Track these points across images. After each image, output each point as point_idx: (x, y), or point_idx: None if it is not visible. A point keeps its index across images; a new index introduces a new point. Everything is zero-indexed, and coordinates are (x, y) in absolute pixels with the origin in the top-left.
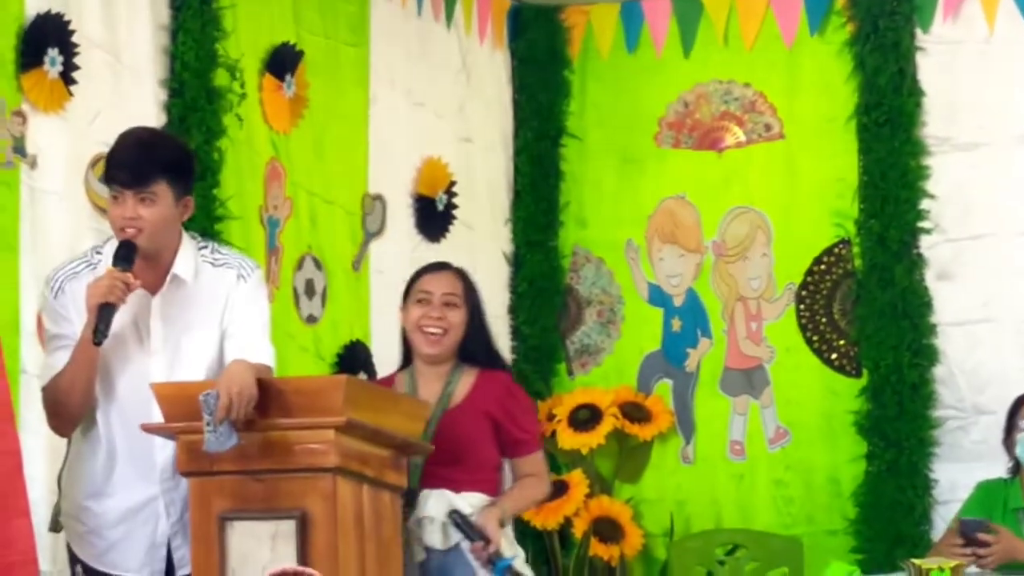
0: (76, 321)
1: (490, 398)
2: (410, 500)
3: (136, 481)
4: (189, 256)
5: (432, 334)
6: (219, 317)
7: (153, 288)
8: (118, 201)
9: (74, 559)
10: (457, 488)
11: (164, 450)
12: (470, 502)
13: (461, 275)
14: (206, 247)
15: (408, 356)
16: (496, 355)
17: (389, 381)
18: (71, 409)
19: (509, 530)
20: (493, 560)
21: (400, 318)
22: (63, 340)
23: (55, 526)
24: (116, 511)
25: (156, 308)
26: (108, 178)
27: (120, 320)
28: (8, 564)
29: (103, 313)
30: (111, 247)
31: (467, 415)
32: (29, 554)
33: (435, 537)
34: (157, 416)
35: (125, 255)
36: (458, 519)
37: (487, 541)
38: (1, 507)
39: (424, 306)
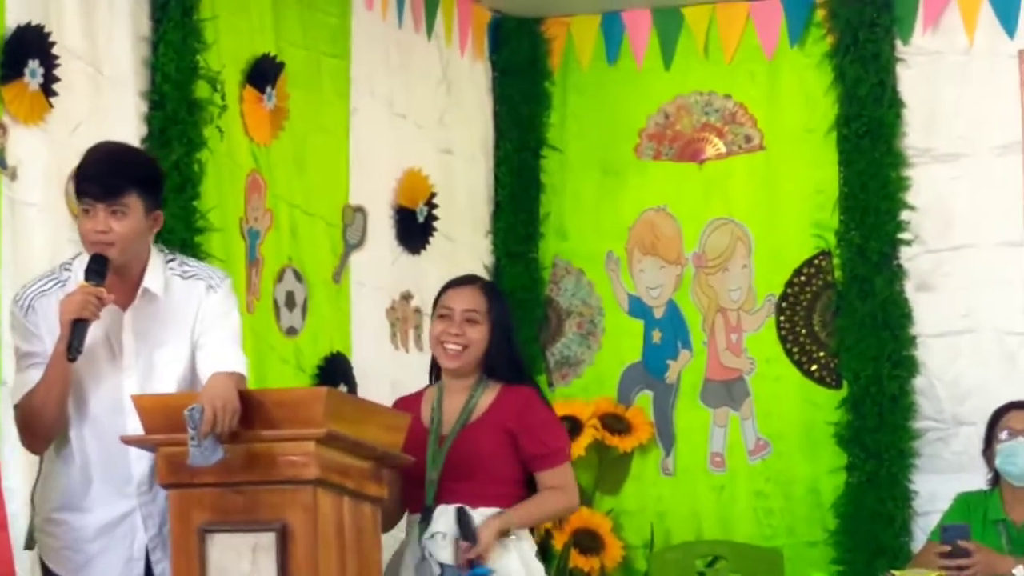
0: (47, 339)
1: (509, 413)
2: (426, 516)
3: (112, 496)
4: (158, 270)
5: (451, 350)
6: (190, 329)
7: (124, 303)
8: (89, 215)
9: (48, 574)
10: (473, 503)
11: (140, 463)
12: (483, 516)
13: (486, 290)
14: (174, 259)
15: (438, 371)
16: (520, 370)
17: (418, 397)
18: (45, 426)
19: (527, 547)
20: (473, 564)
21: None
22: (34, 358)
23: (30, 543)
24: (93, 526)
25: (128, 323)
26: (79, 192)
27: (92, 336)
28: None
29: (76, 329)
30: (80, 263)
31: (486, 430)
32: (7, 567)
33: (446, 552)
34: (133, 430)
35: (98, 269)
36: (462, 516)
37: (474, 543)
38: None
39: (445, 321)
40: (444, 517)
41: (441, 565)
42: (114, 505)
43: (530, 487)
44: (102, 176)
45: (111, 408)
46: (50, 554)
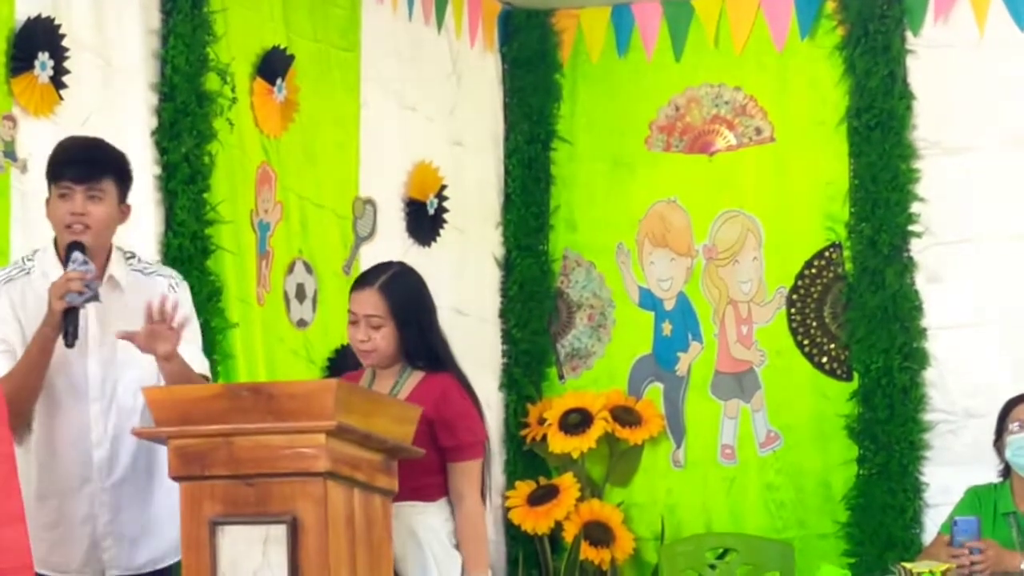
0: (12, 324)
1: (427, 401)
2: None
3: (74, 481)
4: (121, 263)
5: (363, 352)
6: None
7: None
8: (65, 198)
9: None
10: (402, 495)
11: (100, 449)
12: (409, 512)
13: (384, 290)
14: (133, 257)
15: None
16: (438, 357)
17: (357, 376)
18: (18, 411)
19: (445, 532)
20: None
21: None
22: (2, 344)
23: None
24: (56, 512)
25: (91, 310)
26: (56, 175)
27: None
28: (6, 569)
29: (69, 316)
30: (44, 255)
31: None
32: (24, 560)
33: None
34: (94, 416)
35: (79, 248)
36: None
37: None
38: None
39: (353, 327)
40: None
41: None
42: (76, 491)
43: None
44: (82, 159)
45: (73, 394)
46: None
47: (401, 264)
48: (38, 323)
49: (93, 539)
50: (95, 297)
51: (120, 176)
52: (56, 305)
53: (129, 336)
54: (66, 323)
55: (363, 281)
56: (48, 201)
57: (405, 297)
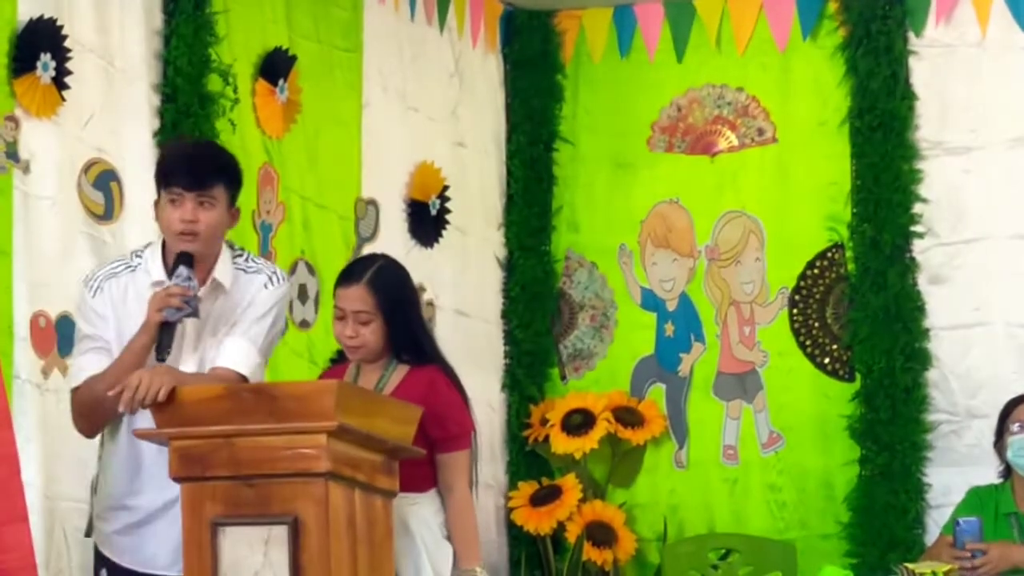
0: (111, 322)
1: (414, 393)
2: None
3: (164, 479)
4: (227, 263)
5: (350, 348)
6: (229, 323)
7: None
8: (176, 204)
9: (100, 561)
10: None
11: None
12: (400, 503)
13: (371, 286)
14: (241, 255)
15: None
16: (423, 351)
17: (341, 370)
18: (106, 413)
19: (436, 523)
20: None
21: None
22: (96, 341)
23: (89, 531)
24: (144, 510)
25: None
26: (167, 181)
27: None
28: (7, 570)
29: (164, 330)
30: (152, 252)
31: None
32: (28, 559)
33: None
34: None
35: (186, 262)
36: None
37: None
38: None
39: (340, 322)
40: None
41: None
42: (164, 490)
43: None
44: (193, 167)
45: None
46: (103, 539)
47: (385, 257)
48: (136, 320)
49: (180, 539)
50: (194, 313)
51: (230, 181)
52: (154, 318)
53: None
54: (161, 336)
55: (349, 276)
56: (157, 204)
57: (392, 291)
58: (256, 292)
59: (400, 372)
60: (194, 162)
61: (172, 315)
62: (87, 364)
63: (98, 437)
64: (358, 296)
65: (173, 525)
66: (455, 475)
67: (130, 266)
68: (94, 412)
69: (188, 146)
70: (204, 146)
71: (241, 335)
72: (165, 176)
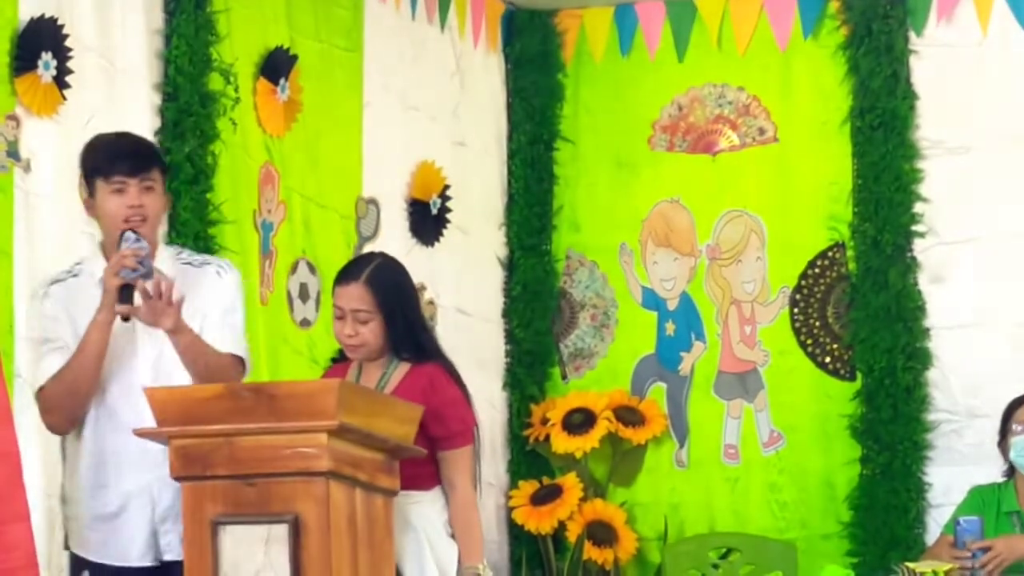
0: (65, 322)
1: (415, 391)
2: None
3: (129, 471)
4: (168, 255)
5: (350, 347)
6: (201, 315)
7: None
8: (120, 192)
9: (78, 564)
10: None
11: None
12: (403, 502)
13: (370, 284)
14: (181, 252)
15: None
16: (423, 348)
17: (343, 368)
18: (79, 401)
19: (441, 522)
20: None
21: None
22: (55, 343)
23: (67, 542)
24: (113, 502)
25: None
26: (105, 171)
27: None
28: (9, 569)
29: (124, 293)
30: (91, 261)
31: None
32: (30, 558)
33: None
34: (146, 411)
35: (126, 237)
36: None
37: None
38: (2, 510)
39: (340, 321)
40: None
41: None
42: (131, 479)
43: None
44: (132, 152)
45: (127, 388)
46: (74, 538)
47: (383, 255)
48: (88, 318)
49: (152, 525)
50: (149, 274)
51: (163, 165)
52: (112, 282)
53: (132, 311)
54: (122, 299)
55: (347, 275)
56: (90, 201)
57: (391, 289)
58: (212, 284)
59: (401, 370)
60: (132, 148)
61: (129, 275)
62: (51, 366)
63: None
64: (356, 295)
65: (141, 516)
66: (457, 472)
67: (72, 273)
68: (66, 403)
69: (116, 136)
70: (132, 136)
71: (219, 326)
72: (102, 167)
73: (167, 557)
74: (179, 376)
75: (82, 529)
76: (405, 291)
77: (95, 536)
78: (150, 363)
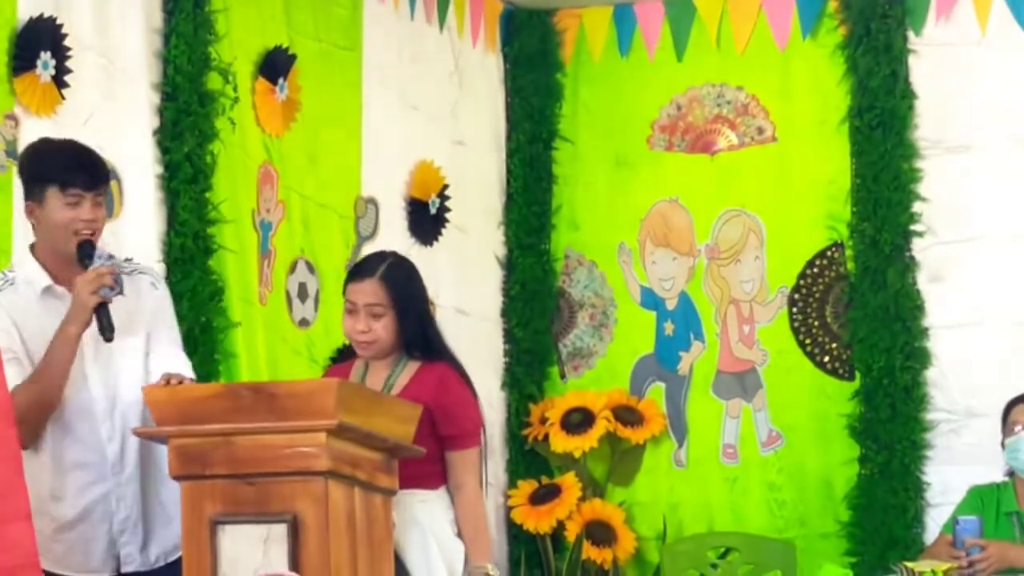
0: (12, 332)
1: (425, 390)
2: None
3: (88, 481)
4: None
5: (361, 343)
6: (143, 324)
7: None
8: (75, 205)
9: None
10: (403, 483)
11: (112, 444)
12: (409, 501)
13: (386, 280)
14: (112, 257)
15: None
16: (434, 347)
17: (347, 368)
18: (46, 415)
19: (447, 520)
20: None
21: None
22: (7, 353)
23: None
24: (72, 513)
25: None
26: (63, 181)
27: (49, 330)
28: (11, 567)
29: (102, 311)
30: (23, 267)
31: None
32: (31, 557)
33: None
34: (101, 414)
35: (90, 253)
36: None
37: None
38: (3, 509)
39: (352, 317)
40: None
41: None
42: (90, 490)
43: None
44: (91, 164)
45: (77, 394)
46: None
47: (395, 254)
48: (33, 329)
49: (111, 536)
50: (121, 291)
51: (109, 179)
52: (90, 300)
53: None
54: (100, 318)
55: (362, 271)
56: (39, 206)
57: (404, 286)
58: (148, 297)
59: (410, 369)
60: (89, 161)
61: (108, 294)
62: (8, 376)
63: None
64: (371, 290)
65: (100, 527)
66: (466, 472)
67: (8, 280)
68: (34, 417)
69: (70, 145)
70: (84, 147)
71: (170, 344)
72: (59, 176)
73: (126, 569)
74: (125, 388)
75: (43, 541)
76: (417, 289)
77: (55, 547)
78: (99, 376)
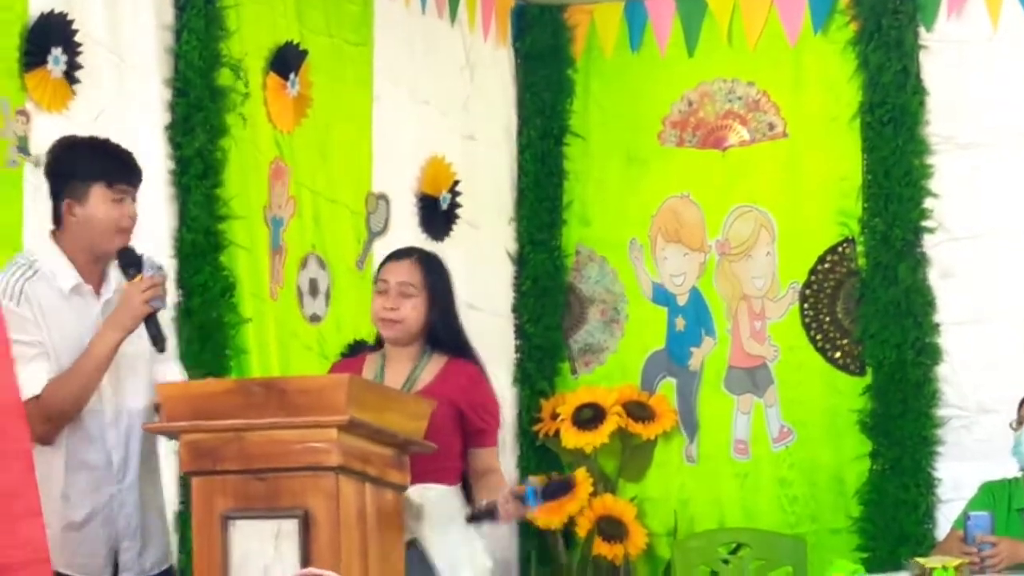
0: (40, 325)
1: (456, 387)
2: None
3: (95, 484)
4: (113, 264)
5: (386, 322)
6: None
7: (97, 292)
8: (120, 202)
9: None
10: (421, 476)
11: (117, 450)
12: (432, 495)
13: (423, 262)
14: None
15: (381, 339)
16: (465, 344)
17: (360, 361)
18: (74, 414)
19: (478, 546)
20: (521, 496)
21: None
22: (35, 348)
23: None
24: (79, 514)
25: (100, 313)
26: (112, 178)
27: (72, 328)
28: (24, 562)
29: (151, 322)
30: (52, 259)
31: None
32: (43, 552)
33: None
34: (108, 420)
35: (137, 261)
36: (477, 514)
37: (493, 511)
38: (15, 506)
39: (382, 296)
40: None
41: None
42: (96, 492)
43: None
44: (133, 164)
45: (91, 401)
46: None
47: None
48: (54, 325)
49: (114, 541)
50: (165, 303)
51: None
52: (142, 310)
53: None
54: (150, 327)
55: (399, 253)
56: (80, 203)
57: (439, 273)
58: None
59: (436, 363)
60: (132, 160)
61: (158, 304)
62: (38, 370)
63: None
64: (405, 269)
65: (104, 531)
66: (494, 462)
67: (32, 269)
68: (70, 412)
69: (109, 143)
70: (116, 143)
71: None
72: (110, 172)
73: (124, 574)
74: (131, 396)
75: (50, 539)
76: (449, 282)
77: (63, 549)
78: (108, 380)
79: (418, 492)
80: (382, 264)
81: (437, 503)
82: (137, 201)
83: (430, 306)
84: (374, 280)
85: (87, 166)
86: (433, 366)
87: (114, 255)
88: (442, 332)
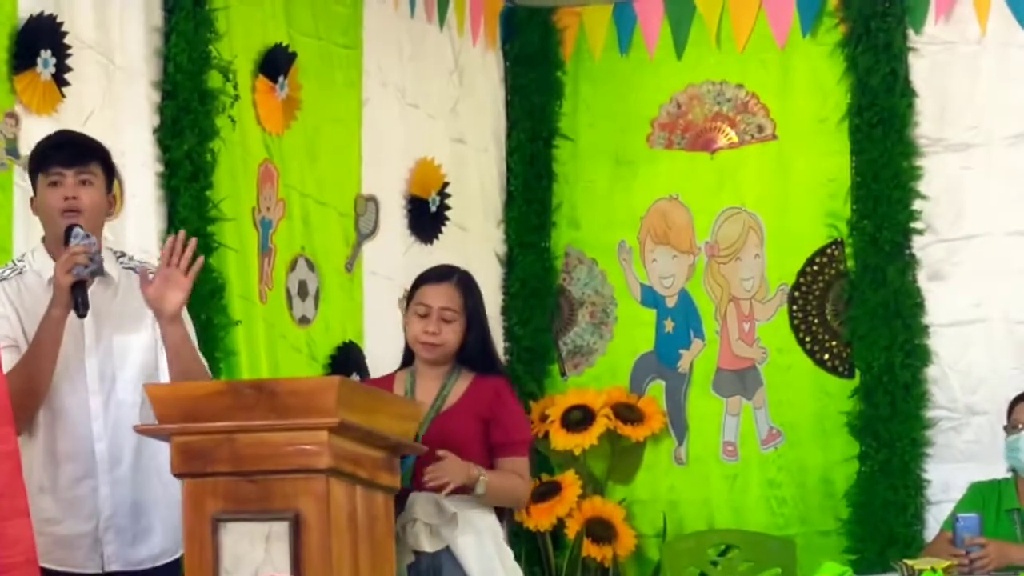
0: (15, 321)
1: (482, 402)
2: (400, 500)
3: (77, 475)
4: (111, 259)
5: (428, 346)
6: (150, 322)
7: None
8: (57, 185)
9: None
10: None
11: (101, 443)
12: (465, 505)
13: (462, 285)
14: (123, 255)
15: (409, 356)
16: (493, 360)
17: (389, 380)
18: (37, 397)
19: (500, 529)
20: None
21: (403, 320)
22: (6, 340)
23: None
24: (60, 507)
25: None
26: (43, 164)
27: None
28: (11, 564)
29: (77, 289)
30: (33, 257)
31: (459, 418)
32: (30, 554)
33: (422, 540)
34: (95, 410)
35: (67, 235)
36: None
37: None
38: (3, 507)
39: (423, 320)
40: (420, 505)
41: (415, 552)
42: (79, 485)
43: None
44: (70, 144)
45: (73, 389)
46: None
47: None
48: (37, 318)
49: (96, 534)
50: (100, 270)
51: (106, 163)
52: (64, 280)
53: (144, 284)
54: (75, 295)
55: (439, 275)
56: (34, 199)
57: (475, 295)
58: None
59: (465, 379)
60: (70, 141)
61: (82, 272)
62: (6, 363)
63: None
64: (448, 294)
65: (87, 523)
66: (517, 471)
67: (16, 270)
68: (23, 401)
69: (57, 133)
70: (73, 132)
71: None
72: (41, 160)
73: (111, 568)
74: (122, 387)
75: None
76: (482, 301)
77: (40, 540)
78: (97, 363)
79: (452, 501)
80: (419, 284)
81: (470, 512)
82: (87, 182)
83: (468, 329)
84: (408, 299)
85: (32, 162)
86: (462, 383)
87: None
88: (474, 350)
